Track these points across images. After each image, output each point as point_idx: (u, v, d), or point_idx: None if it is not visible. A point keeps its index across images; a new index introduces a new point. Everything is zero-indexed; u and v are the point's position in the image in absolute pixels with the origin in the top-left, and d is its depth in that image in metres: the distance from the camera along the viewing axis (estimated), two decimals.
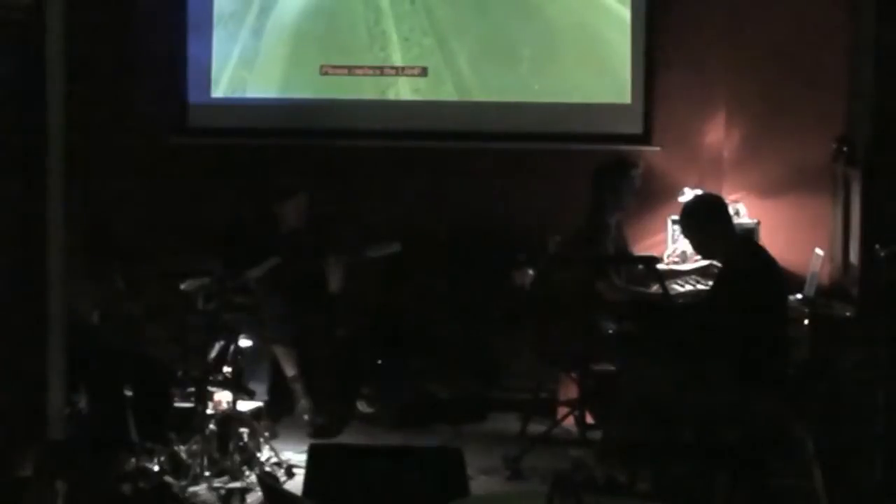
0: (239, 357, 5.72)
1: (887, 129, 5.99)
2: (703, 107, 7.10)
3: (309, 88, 7.29)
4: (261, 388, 6.28)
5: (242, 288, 5.82)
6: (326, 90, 7.27)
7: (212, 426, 5.41)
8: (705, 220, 5.26)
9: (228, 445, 5.42)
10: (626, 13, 7.12)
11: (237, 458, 5.41)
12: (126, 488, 5.15)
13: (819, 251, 6.28)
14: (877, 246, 5.31)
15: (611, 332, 5.99)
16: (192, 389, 5.70)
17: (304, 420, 6.39)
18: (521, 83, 7.23)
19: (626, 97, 7.16)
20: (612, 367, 5.96)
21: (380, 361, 6.74)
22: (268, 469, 5.53)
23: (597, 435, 5.65)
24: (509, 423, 6.54)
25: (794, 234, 6.78)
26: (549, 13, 7.19)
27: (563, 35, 7.18)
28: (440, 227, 7.10)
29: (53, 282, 4.51)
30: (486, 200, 7.11)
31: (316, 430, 6.29)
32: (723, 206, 5.41)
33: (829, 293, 6.31)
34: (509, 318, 6.63)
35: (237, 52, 7.30)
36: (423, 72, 7.23)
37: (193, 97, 7.28)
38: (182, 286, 5.67)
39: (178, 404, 5.74)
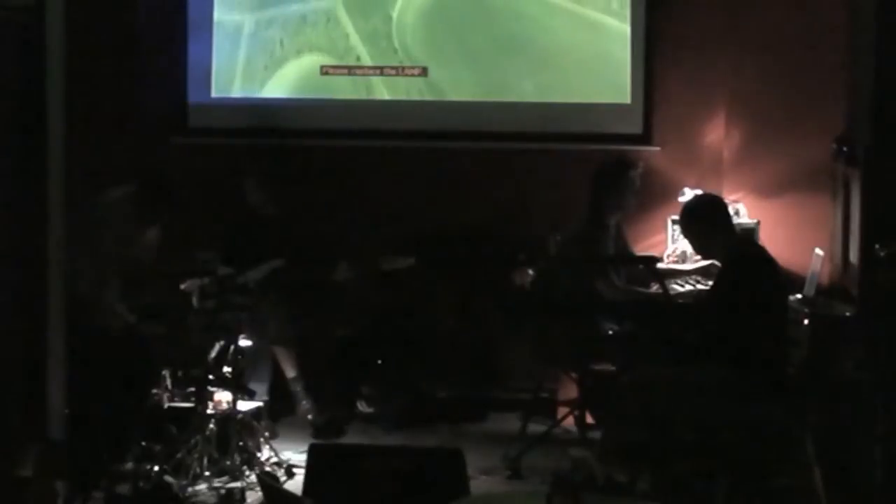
0: (239, 357, 5.72)
1: (887, 129, 5.98)
2: (703, 107, 7.10)
3: (309, 88, 7.30)
4: (261, 388, 6.29)
5: (242, 288, 5.83)
6: (326, 90, 7.27)
7: (212, 426, 5.41)
8: (705, 220, 5.26)
9: (228, 445, 5.43)
10: (625, 15, 7.12)
11: (237, 458, 5.42)
12: (126, 488, 5.16)
13: (819, 251, 6.27)
14: (877, 246, 5.30)
15: (611, 332, 5.99)
16: (192, 389, 5.71)
17: (304, 420, 6.40)
18: (519, 86, 7.23)
19: (626, 97, 7.16)
20: (612, 367, 5.97)
21: (380, 361, 6.75)
22: (268, 469, 5.53)
23: (597, 435, 5.65)
24: (509, 423, 6.54)
25: (794, 234, 6.77)
26: (545, 20, 7.17)
27: (563, 36, 7.18)
28: (440, 227, 7.10)
29: (53, 282, 4.51)
30: (485, 200, 7.11)
31: (316, 431, 6.30)
32: (723, 206, 5.41)
33: (829, 293, 6.31)
34: (509, 318, 6.63)
35: (237, 52, 7.31)
36: (424, 72, 7.23)
37: (193, 97, 7.29)
38: (182, 286, 5.67)
39: (178, 404, 5.76)
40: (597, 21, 7.15)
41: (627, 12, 7.12)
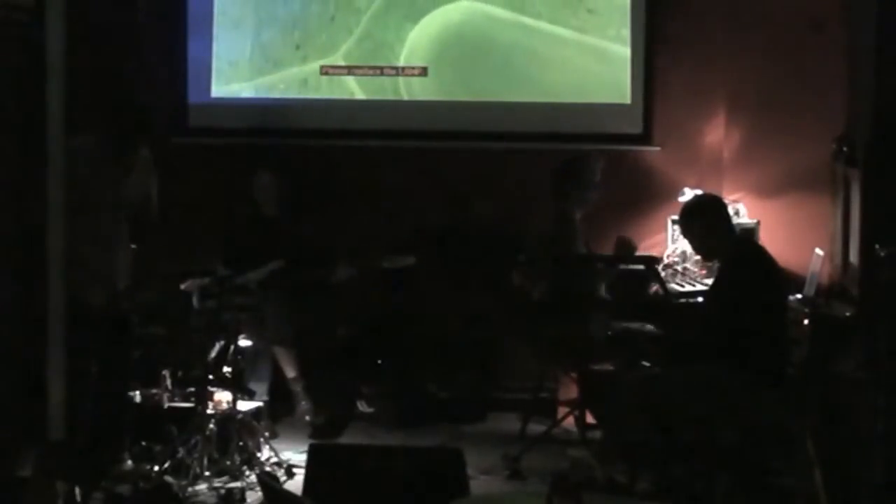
0: (239, 357, 5.72)
1: (887, 129, 5.98)
2: (703, 107, 7.10)
3: (309, 88, 7.30)
4: (261, 388, 6.29)
5: (242, 288, 5.83)
6: (326, 90, 7.27)
7: (212, 426, 5.41)
8: (705, 220, 5.27)
9: (228, 445, 5.43)
10: (625, 17, 7.12)
11: (237, 458, 5.42)
12: (125, 488, 5.16)
13: (819, 251, 6.28)
14: (877, 246, 5.30)
15: (610, 333, 5.99)
16: (192, 389, 5.71)
17: (304, 420, 6.40)
18: (520, 85, 7.23)
19: (626, 97, 7.16)
20: (612, 367, 5.97)
21: (380, 361, 6.75)
22: (268, 469, 5.53)
23: (597, 435, 5.65)
24: (509, 423, 6.54)
25: (794, 234, 6.77)
26: (547, 27, 7.18)
27: (563, 36, 7.18)
28: (440, 226, 7.10)
29: (54, 281, 4.51)
30: (486, 200, 7.11)
31: (316, 431, 6.30)
32: (722, 206, 5.42)
33: (829, 293, 6.31)
34: (509, 318, 6.63)
35: (237, 51, 7.31)
36: (424, 72, 7.23)
37: (193, 97, 7.29)
38: (182, 286, 5.67)
39: (178, 404, 5.76)
40: (598, 40, 7.15)
41: (628, 14, 7.11)
